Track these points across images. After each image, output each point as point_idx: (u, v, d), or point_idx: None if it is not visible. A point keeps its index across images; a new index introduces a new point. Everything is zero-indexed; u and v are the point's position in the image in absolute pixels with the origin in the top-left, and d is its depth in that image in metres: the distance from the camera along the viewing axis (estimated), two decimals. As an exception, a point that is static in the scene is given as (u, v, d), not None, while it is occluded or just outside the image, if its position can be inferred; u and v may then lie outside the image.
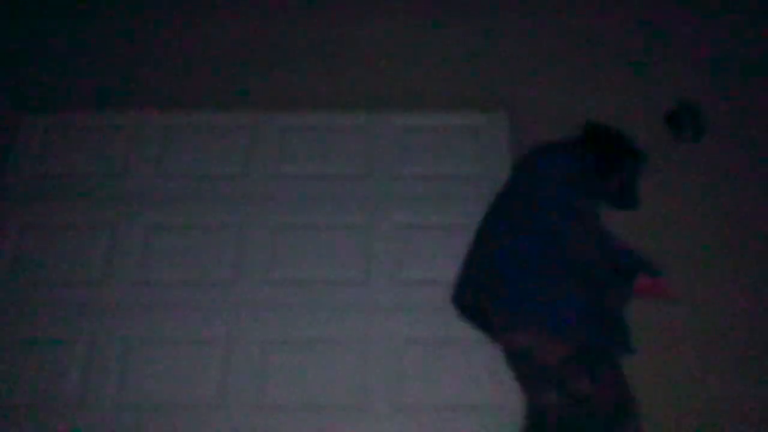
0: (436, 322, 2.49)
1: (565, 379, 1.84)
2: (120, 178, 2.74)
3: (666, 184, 2.61)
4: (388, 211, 2.65)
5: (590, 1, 2.95)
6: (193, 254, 2.60)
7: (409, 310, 2.50)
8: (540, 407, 1.87)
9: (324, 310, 2.50)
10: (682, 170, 2.64)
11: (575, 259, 1.91)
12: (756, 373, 2.32)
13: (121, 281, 2.56)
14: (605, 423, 1.80)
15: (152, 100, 2.84)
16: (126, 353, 2.45)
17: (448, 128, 2.84)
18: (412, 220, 2.65)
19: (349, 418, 2.34)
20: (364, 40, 2.91)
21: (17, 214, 2.67)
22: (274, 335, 2.47)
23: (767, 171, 2.64)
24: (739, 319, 2.40)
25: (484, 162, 2.77)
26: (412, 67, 2.85)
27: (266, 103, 2.85)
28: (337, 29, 2.93)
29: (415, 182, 2.72)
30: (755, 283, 2.46)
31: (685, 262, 2.49)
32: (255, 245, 2.62)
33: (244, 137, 2.83)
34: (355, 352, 2.43)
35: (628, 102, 2.76)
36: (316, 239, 2.61)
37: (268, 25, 2.94)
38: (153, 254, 2.61)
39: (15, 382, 2.40)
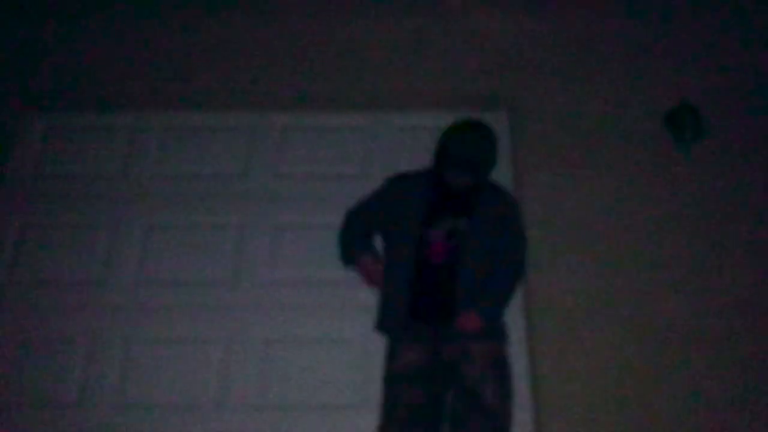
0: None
1: None
2: (120, 178, 2.74)
3: (666, 184, 2.61)
4: (388, 211, 2.65)
5: (590, 0, 2.95)
6: (193, 254, 2.60)
7: (409, 310, 2.50)
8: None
9: (324, 310, 2.49)
10: (682, 170, 2.63)
11: None
12: (756, 374, 2.32)
13: (121, 281, 2.56)
14: None
15: (152, 100, 2.84)
16: (126, 353, 2.45)
17: (448, 128, 2.84)
18: (412, 220, 2.65)
19: (351, 417, 2.34)
20: (364, 40, 2.90)
21: (17, 214, 2.67)
22: (274, 335, 2.47)
23: (767, 171, 2.64)
24: (740, 319, 2.39)
25: (484, 162, 2.77)
26: (412, 67, 2.84)
27: (266, 103, 2.85)
28: (337, 29, 2.92)
29: (415, 182, 2.72)
30: (755, 283, 2.45)
31: (684, 262, 2.49)
32: (255, 245, 2.62)
33: (244, 137, 2.82)
34: (357, 352, 2.43)
35: (628, 102, 2.76)
36: (316, 239, 2.60)
37: (268, 25, 2.93)
38: (153, 254, 2.60)
39: (15, 382, 2.40)
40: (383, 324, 2.20)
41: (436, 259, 2.19)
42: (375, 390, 2.37)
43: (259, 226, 2.65)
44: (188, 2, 2.98)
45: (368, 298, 2.34)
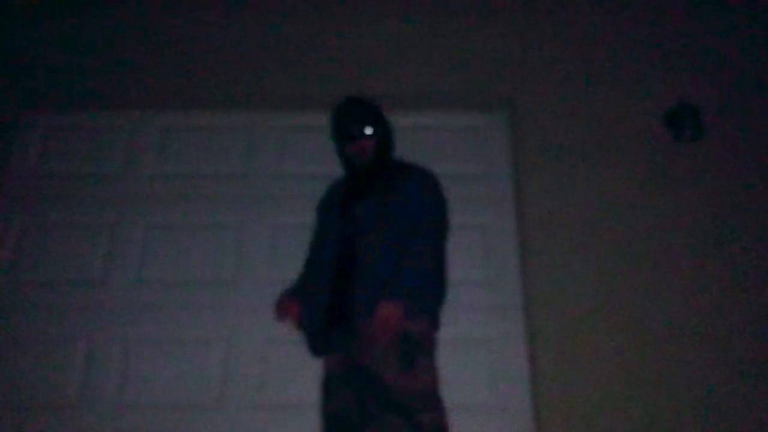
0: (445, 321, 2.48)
1: None
2: (120, 178, 2.74)
3: (666, 184, 2.61)
4: (388, 211, 2.64)
5: (591, 1, 2.95)
6: (193, 254, 2.60)
7: (409, 310, 2.49)
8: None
9: (324, 310, 2.49)
10: (682, 170, 2.63)
11: None
12: (756, 374, 2.32)
13: (121, 281, 2.56)
14: None
15: (152, 100, 2.84)
16: (126, 353, 2.45)
17: (448, 128, 2.84)
18: (412, 220, 2.65)
19: (349, 418, 2.34)
20: (363, 40, 2.90)
21: (17, 214, 2.67)
22: (274, 335, 2.47)
23: (767, 171, 2.64)
24: (740, 319, 2.39)
25: (484, 162, 2.77)
26: (413, 67, 2.85)
27: (266, 103, 2.85)
28: (336, 29, 2.92)
29: (415, 182, 2.72)
30: (755, 283, 2.45)
31: (684, 262, 2.49)
32: (255, 245, 2.62)
33: (244, 137, 2.83)
34: (355, 352, 2.43)
35: (628, 102, 2.76)
36: (316, 239, 2.60)
37: (268, 25, 2.94)
38: (153, 254, 2.60)
39: (15, 382, 2.40)
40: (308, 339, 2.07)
41: (342, 253, 2.02)
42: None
43: (259, 226, 2.65)
44: (188, 2, 2.98)
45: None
